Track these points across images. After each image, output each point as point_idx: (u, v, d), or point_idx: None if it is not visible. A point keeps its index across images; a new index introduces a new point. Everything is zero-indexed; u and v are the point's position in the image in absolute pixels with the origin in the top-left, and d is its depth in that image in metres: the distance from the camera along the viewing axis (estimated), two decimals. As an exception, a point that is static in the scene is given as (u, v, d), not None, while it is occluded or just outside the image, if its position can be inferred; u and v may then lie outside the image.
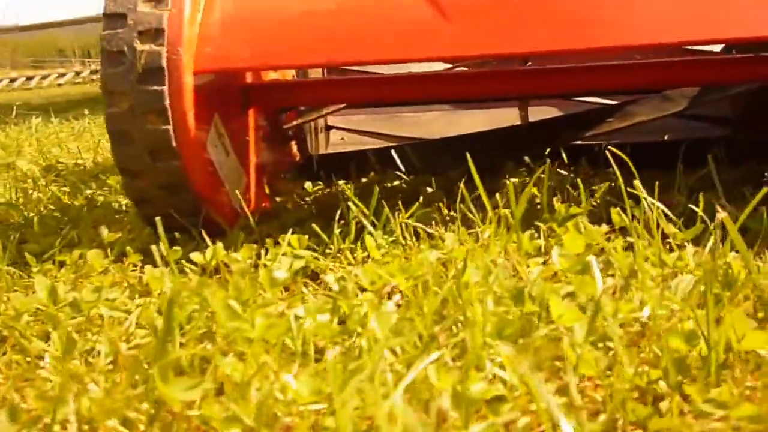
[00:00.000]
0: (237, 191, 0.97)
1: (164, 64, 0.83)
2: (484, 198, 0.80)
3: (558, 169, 1.10)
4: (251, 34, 0.88)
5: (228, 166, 0.95)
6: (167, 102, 0.83)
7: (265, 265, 0.77)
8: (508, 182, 0.94)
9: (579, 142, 1.15)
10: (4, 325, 0.64)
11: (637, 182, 0.75)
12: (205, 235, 0.84)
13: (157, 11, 0.85)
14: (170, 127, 0.84)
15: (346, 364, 0.48)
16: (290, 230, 0.85)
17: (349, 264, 0.78)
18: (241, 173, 1.01)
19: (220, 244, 0.79)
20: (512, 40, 0.85)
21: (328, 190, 1.21)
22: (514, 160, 1.16)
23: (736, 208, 0.78)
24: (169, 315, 0.49)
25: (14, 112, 2.73)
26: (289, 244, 0.80)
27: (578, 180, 0.89)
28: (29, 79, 6.75)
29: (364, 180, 1.17)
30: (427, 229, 0.79)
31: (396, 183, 1.15)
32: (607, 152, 1.04)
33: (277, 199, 1.10)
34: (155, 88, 0.83)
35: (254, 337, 0.53)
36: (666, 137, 1.19)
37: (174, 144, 0.84)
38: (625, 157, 0.83)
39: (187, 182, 0.87)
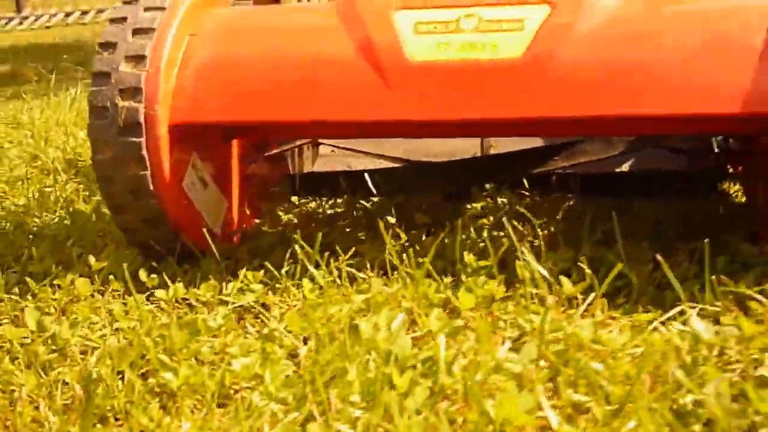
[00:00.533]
0: (215, 218, 1.12)
1: (141, 119, 0.97)
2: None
3: (521, 192, 1.23)
4: (219, 90, 1.01)
5: (205, 199, 1.09)
6: (144, 152, 0.97)
7: (221, 301, 0.92)
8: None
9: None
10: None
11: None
12: (175, 265, 1.01)
13: (136, 71, 0.98)
14: (148, 173, 0.98)
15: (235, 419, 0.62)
16: (254, 261, 1.02)
17: (295, 300, 0.92)
18: (221, 201, 1.15)
19: (179, 285, 0.94)
20: (450, 107, 0.96)
21: (312, 204, 1.35)
22: (478, 187, 1.29)
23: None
24: (98, 372, 0.65)
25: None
26: (245, 277, 0.95)
27: (505, 220, 1.00)
28: (84, 13, 6.88)
29: (339, 200, 1.31)
30: (359, 274, 0.92)
31: (360, 210, 1.27)
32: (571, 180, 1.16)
33: (256, 220, 1.24)
34: (134, 140, 0.97)
35: (176, 386, 0.68)
36: (621, 168, 1.28)
37: (151, 187, 0.99)
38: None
39: (164, 217, 1.01)
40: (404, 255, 0.94)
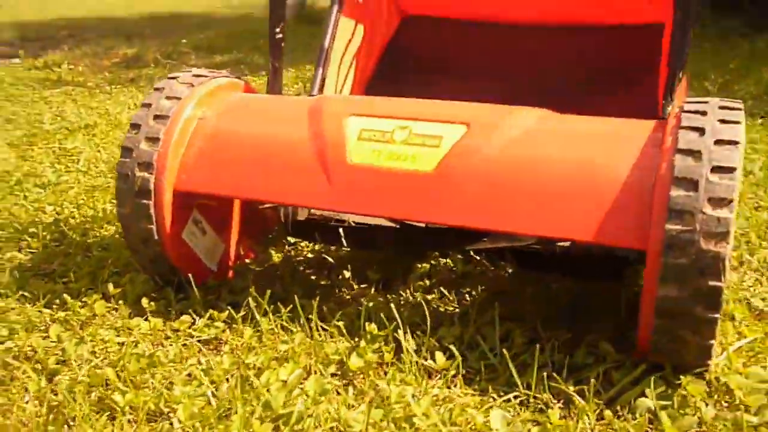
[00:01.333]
0: (211, 259, 1.44)
1: (152, 187, 1.28)
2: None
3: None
4: (209, 167, 1.29)
5: (203, 244, 1.41)
6: (152, 211, 1.30)
7: (188, 334, 1.24)
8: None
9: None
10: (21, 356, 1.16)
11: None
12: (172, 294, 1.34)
13: (151, 150, 1.29)
14: (154, 227, 1.30)
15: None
16: (228, 298, 1.33)
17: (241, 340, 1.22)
18: (218, 244, 1.46)
19: (158, 320, 1.27)
20: (376, 206, 1.21)
21: (303, 244, 1.64)
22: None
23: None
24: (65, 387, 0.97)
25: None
26: (210, 317, 1.27)
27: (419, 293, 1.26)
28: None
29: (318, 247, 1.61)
30: (290, 326, 1.21)
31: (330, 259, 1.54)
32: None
33: (247, 260, 1.55)
34: (145, 201, 1.29)
35: (122, 404, 1.01)
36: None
37: (156, 237, 1.31)
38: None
39: (165, 259, 1.34)
40: (336, 312, 1.23)
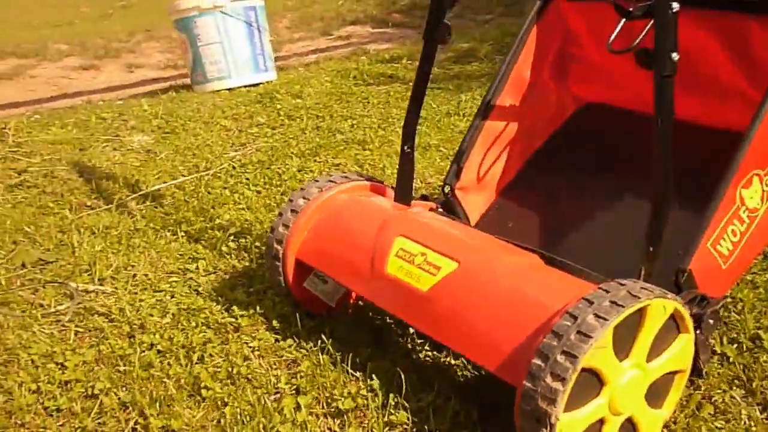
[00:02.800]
0: (331, 299, 2.05)
1: (281, 255, 1.94)
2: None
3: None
4: (315, 247, 1.90)
5: (323, 289, 2.00)
6: (280, 269, 1.95)
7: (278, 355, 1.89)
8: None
9: None
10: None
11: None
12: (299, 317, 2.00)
13: (284, 232, 1.93)
14: (281, 279, 1.97)
15: None
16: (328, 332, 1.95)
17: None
18: (338, 289, 2.05)
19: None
20: (393, 306, 1.68)
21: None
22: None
23: None
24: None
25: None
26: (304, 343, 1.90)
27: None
28: None
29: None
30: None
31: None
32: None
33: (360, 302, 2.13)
34: (277, 263, 1.95)
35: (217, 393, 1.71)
36: None
37: (283, 285, 1.97)
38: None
39: (292, 300, 2.00)
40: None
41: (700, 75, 1.99)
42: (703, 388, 1.67)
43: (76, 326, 2.06)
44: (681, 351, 1.52)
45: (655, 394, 1.52)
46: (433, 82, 4.30)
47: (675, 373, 1.55)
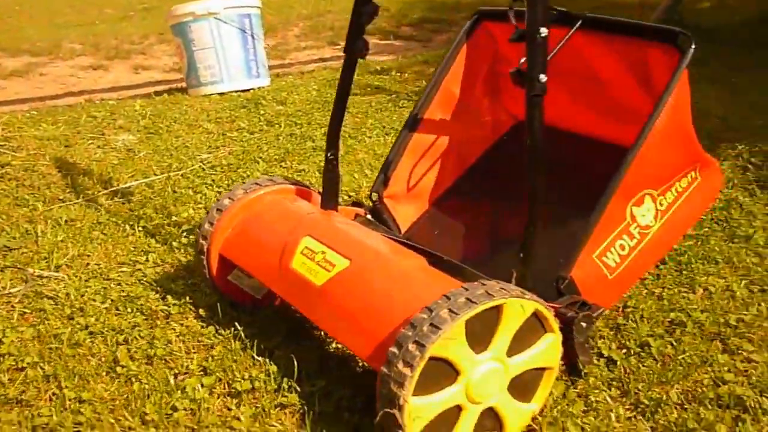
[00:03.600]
0: (257, 292, 2.21)
1: (205, 249, 2.10)
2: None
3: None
4: (236, 244, 2.06)
5: (248, 283, 2.16)
6: (205, 263, 2.12)
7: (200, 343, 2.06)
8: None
9: None
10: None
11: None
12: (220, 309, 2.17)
13: (209, 229, 2.09)
14: (206, 272, 2.14)
15: None
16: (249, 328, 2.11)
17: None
18: (262, 286, 2.22)
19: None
20: (294, 299, 1.85)
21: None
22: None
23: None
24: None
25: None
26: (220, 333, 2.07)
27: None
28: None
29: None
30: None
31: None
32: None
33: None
34: (203, 257, 2.12)
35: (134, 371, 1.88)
36: None
37: (208, 277, 2.14)
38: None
39: (218, 291, 2.17)
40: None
41: (604, 94, 2.14)
42: (579, 388, 1.81)
43: (24, 307, 2.25)
44: (547, 349, 1.66)
45: (523, 388, 1.66)
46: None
47: (543, 370, 1.69)
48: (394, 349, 1.47)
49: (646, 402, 1.74)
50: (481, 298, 1.50)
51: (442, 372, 1.50)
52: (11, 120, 4.06)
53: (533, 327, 1.63)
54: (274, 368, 1.85)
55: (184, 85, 5.32)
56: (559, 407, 1.74)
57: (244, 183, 2.16)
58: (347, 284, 1.74)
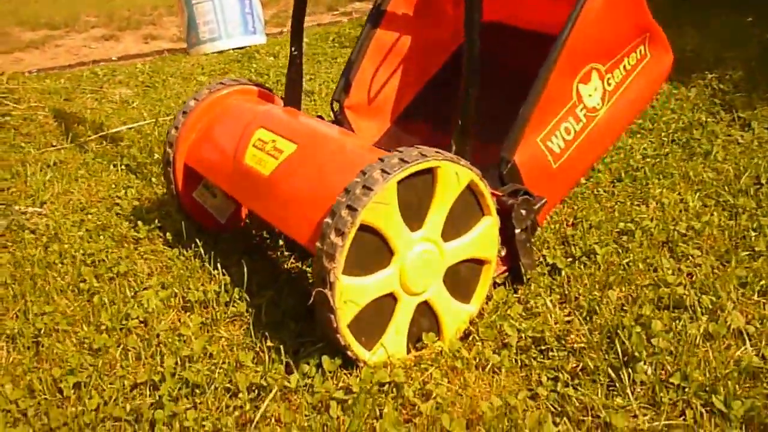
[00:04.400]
0: (221, 215, 2.16)
1: (171, 159, 1.99)
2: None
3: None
4: (195, 150, 1.93)
5: (213, 204, 2.10)
6: (171, 175, 2.04)
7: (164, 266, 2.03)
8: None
9: None
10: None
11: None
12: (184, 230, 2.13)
13: (174, 134, 1.97)
14: (173, 186, 2.06)
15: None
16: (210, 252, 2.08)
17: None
18: (229, 206, 2.14)
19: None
20: (243, 195, 1.71)
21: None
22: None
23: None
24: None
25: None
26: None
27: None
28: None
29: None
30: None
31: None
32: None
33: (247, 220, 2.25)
34: (168, 169, 2.04)
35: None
36: None
37: (174, 193, 2.08)
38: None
39: (183, 210, 2.12)
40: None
41: None
42: (520, 293, 1.75)
43: (5, 239, 2.24)
44: (484, 235, 1.53)
45: (459, 284, 1.55)
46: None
47: (480, 264, 1.58)
48: (327, 219, 1.31)
49: (585, 306, 1.68)
50: (414, 158, 1.34)
51: (375, 248, 1.35)
52: (17, 75, 4.04)
53: (469, 206, 1.48)
54: (227, 280, 1.82)
55: (185, 46, 5.27)
56: (498, 312, 1.68)
57: (209, 84, 2.04)
58: (292, 168, 1.55)
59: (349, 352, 1.43)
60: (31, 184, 2.65)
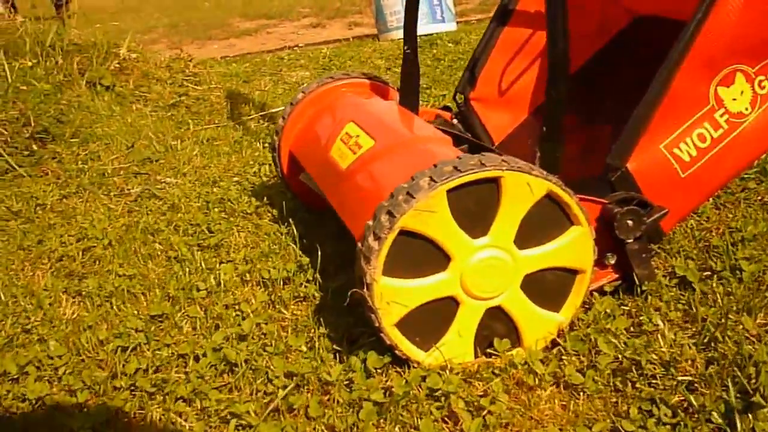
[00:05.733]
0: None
1: (277, 146, 2.03)
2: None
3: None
4: (298, 141, 1.96)
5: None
6: (278, 159, 2.04)
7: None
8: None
9: None
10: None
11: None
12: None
13: (281, 123, 2.01)
14: (279, 170, 2.06)
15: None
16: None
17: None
18: None
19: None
20: (323, 186, 1.71)
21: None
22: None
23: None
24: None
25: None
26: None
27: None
28: None
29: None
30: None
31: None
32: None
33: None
34: (275, 155, 2.05)
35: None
36: None
37: (281, 176, 2.07)
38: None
39: (291, 191, 2.09)
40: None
41: None
42: (630, 305, 1.49)
43: (133, 202, 2.36)
44: (573, 245, 1.36)
45: (545, 291, 1.39)
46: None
47: (573, 273, 1.40)
48: (370, 222, 1.27)
49: (712, 330, 1.38)
50: (471, 167, 1.24)
51: (426, 252, 1.28)
52: (205, 60, 4.32)
53: (552, 215, 1.34)
54: (305, 260, 1.74)
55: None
56: (598, 325, 1.44)
57: (320, 77, 2.05)
58: (363, 165, 1.54)
59: (397, 351, 1.34)
60: (180, 157, 2.77)
